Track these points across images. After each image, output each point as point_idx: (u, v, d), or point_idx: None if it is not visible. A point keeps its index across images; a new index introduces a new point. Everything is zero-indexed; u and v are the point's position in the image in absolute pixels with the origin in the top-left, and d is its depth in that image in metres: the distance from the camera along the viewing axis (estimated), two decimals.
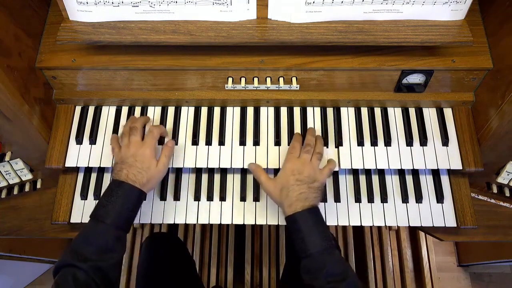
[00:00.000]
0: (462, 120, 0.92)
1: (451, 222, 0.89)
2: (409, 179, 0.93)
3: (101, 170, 0.95)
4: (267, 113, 0.95)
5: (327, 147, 0.92)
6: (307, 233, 0.74)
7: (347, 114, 0.95)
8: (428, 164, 0.89)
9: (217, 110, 0.96)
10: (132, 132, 0.84)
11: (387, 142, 0.92)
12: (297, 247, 0.75)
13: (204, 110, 0.96)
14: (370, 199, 0.91)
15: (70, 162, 0.91)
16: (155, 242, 1.10)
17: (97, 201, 0.92)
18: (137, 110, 0.97)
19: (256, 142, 0.92)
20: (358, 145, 0.92)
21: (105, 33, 0.80)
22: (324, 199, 0.90)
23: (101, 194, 0.79)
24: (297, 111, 0.95)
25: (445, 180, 0.93)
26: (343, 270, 0.72)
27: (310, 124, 0.94)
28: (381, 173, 0.94)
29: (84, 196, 0.93)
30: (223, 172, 0.94)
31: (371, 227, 1.72)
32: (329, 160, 0.89)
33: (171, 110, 0.96)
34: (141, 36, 0.79)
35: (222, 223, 0.91)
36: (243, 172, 0.94)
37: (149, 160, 0.81)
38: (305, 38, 0.79)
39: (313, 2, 0.76)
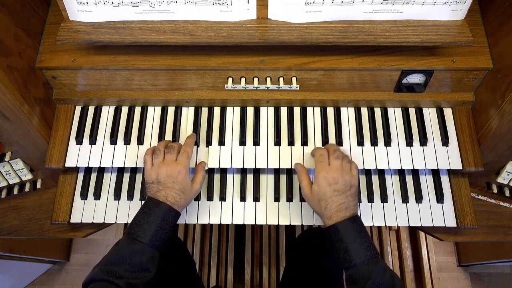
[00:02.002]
0: (462, 120, 0.92)
1: (451, 222, 0.89)
2: (409, 179, 0.93)
3: (101, 170, 0.95)
4: (267, 113, 0.95)
5: None
6: (350, 243, 0.72)
7: (347, 114, 0.95)
8: (428, 164, 0.89)
9: (217, 110, 0.96)
10: (169, 151, 0.84)
11: (387, 142, 0.92)
12: (340, 258, 0.74)
13: (204, 110, 0.96)
14: (370, 199, 0.91)
15: (70, 162, 0.91)
16: None
17: (97, 201, 0.93)
18: (137, 110, 0.97)
19: (256, 142, 0.92)
20: (358, 145, 0.92)
21: (105, 33, 0.80)
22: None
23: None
24: (297, 111, 0.95)
25: (445, 180, 0.93)
26: (389, 279, 0.71)
27: (310, 124, 0.94)
28: (381, 173, 0.94)
29: (84, 196, 0.93)
30: (223, 172, 0.94)
31: (371, 227, 1.72)
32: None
33: (171, 110, 0.96)
34: (141, 36, 0.79)
35: (222, 223, 0.91)
36: (243, 172, 0.94)
37: (186, 181, 0.81)
38: (305, 38, 0.79)
39: (313, 2, 0.76)
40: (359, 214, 0.89)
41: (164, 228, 0.76)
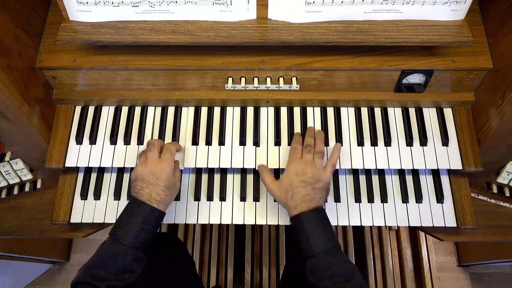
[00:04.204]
0: (462, 120, 0.92)
1: (451, 222, 0.89)
2: (409, 179, 0.93)
3: (101, 170, 0.95)
4: (267, 113, 0.95)
5: (328, 147, 0.91)
6: (311, 233, 0.74)
7: (347, 114, 0.95)
8: (428, 164, 0.89)
9: (217, 110, 0.96)
10: (149, 148, 0.83)
11: (387, 142, 0.92)
12: (302, 247, 0.75)
13: (204, 110, 0.96)
14: (370, 199, 0.91)
15: (70, 162, 0.91)
16: (155, 242, 1.10)
17: (97, 201, 0.93)
18: (137, 110, 0.97)
19: (256, 142, 0.92)
20: (358, 145, 0.92)
21: (105, 33, 0.80)
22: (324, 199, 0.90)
23: (120, 212, 0.78)
24: (297, 111, 0.95)
25: (445, 180, 0.93)
26: (348, 270, 0.72)
27: (310, 124, 0.94)
28: (381, 173, 0.94)
29: (84, 196, 0.93)
30: (223, 172, 0.94)
31: (371, 227, 1.72)
32: (330, 156, 0.87)
33: (171, 110, 0.96)
34: (141, 36, 0.79)
35: (222, 223, 0.91)
36: (243, 172, 0.94)
37: (170, 177, 0.81)
38: (305, 38, 0.79)
39: (313, 2, 0.76)
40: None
41: (147, 229, 0.76)
